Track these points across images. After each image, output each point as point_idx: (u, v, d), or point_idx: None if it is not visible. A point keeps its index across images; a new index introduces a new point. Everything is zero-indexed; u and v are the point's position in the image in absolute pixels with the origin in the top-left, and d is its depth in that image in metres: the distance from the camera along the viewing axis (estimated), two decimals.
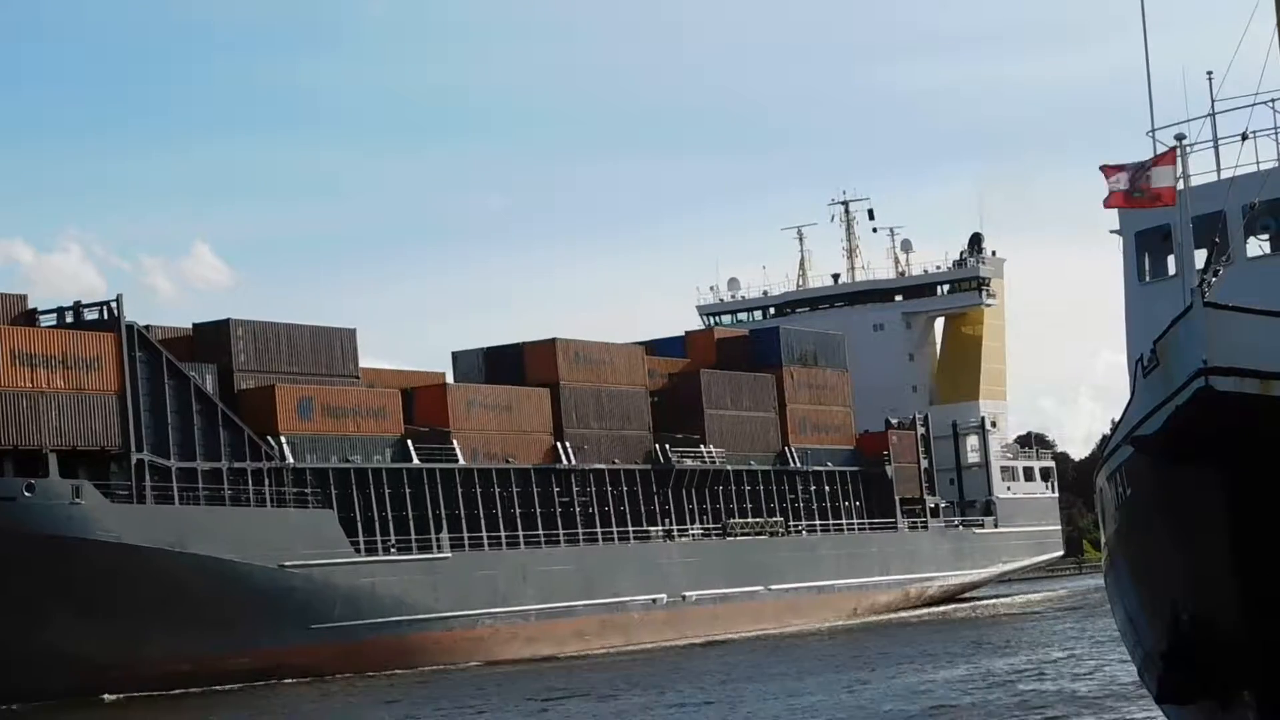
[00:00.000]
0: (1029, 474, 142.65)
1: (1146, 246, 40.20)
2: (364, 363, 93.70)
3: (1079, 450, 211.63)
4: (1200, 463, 30.65)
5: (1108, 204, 36.43)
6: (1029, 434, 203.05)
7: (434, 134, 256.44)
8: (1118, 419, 35.15)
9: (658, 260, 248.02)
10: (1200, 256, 37.31)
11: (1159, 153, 36.60)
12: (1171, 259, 39.61)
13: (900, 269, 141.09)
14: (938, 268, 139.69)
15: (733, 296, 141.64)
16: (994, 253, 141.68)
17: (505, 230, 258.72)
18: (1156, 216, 38.33)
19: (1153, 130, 38.03)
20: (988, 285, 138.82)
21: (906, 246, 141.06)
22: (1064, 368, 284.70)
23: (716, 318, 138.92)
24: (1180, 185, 36.11)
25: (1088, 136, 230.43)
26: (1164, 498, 32.13)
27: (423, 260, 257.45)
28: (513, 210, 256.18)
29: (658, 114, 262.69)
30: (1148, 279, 40.25)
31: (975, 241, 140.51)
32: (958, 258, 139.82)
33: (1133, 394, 33.28)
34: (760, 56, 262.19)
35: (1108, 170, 35.86)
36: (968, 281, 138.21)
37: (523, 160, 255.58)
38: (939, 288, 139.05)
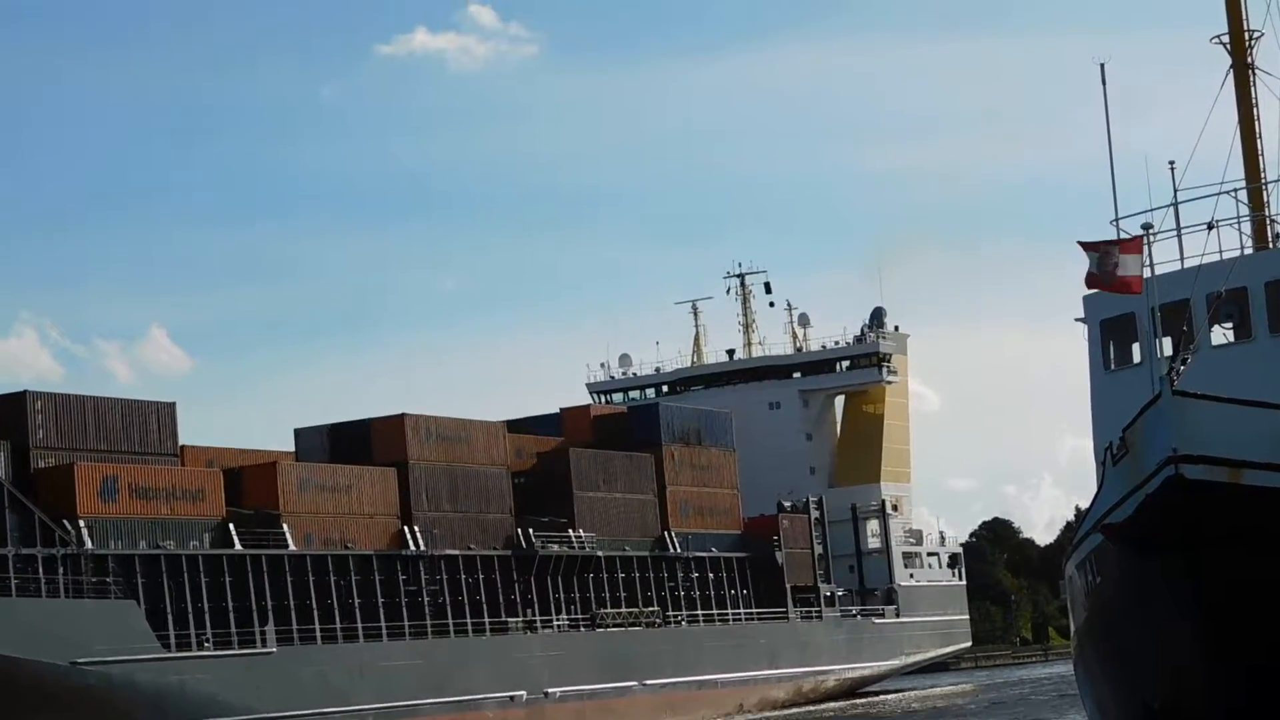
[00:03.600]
0: (934, 560, 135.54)
1: (1112, 334, 40.75)
2: (202, 440, 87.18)
3: (1043, 536, 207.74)
4: (1169, 550, 30.79)
5: (1089, 283, 35.88)
6: (994, 519, 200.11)
7: (394, 212, 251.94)
8: (1084, 506, 35.68)
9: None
10: (1165, 344, 37.99)
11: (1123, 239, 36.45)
12: (1137, 347, 40.23)
13: (798, 345, 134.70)
14: (837, 343, 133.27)
15: (624, 374, 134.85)
16: (896, 328, 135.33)
17: (454, 311, 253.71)
18: (1122, 304, 38.62)
19: (1116, 219, 38.68)
20: (889, 361, 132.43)
21: (804, 321, 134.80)
22: (1026, 453, 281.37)
23: (607, 396, 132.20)
24: (1147, 274, 35.97)
25: (1047, 222, 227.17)
26: (1133, 585, 32.23)
27: (352, 342, 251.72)
28: (464, 290, 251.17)
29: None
30: (1113, 366, 40.75)
31: (876, 316, 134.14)
32: (858, 333, 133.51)
33: (1101, 482, 33.69)
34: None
35: (1086, 247, 35.31)
36: (868, 358, 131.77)
37: (475, 240, 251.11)
38: (838, 364, 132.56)
